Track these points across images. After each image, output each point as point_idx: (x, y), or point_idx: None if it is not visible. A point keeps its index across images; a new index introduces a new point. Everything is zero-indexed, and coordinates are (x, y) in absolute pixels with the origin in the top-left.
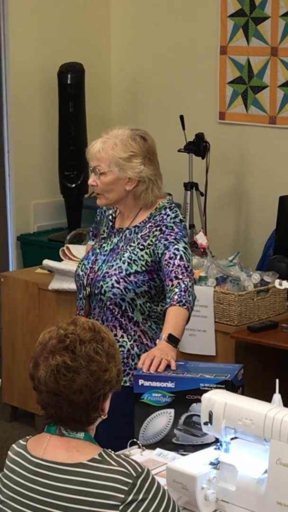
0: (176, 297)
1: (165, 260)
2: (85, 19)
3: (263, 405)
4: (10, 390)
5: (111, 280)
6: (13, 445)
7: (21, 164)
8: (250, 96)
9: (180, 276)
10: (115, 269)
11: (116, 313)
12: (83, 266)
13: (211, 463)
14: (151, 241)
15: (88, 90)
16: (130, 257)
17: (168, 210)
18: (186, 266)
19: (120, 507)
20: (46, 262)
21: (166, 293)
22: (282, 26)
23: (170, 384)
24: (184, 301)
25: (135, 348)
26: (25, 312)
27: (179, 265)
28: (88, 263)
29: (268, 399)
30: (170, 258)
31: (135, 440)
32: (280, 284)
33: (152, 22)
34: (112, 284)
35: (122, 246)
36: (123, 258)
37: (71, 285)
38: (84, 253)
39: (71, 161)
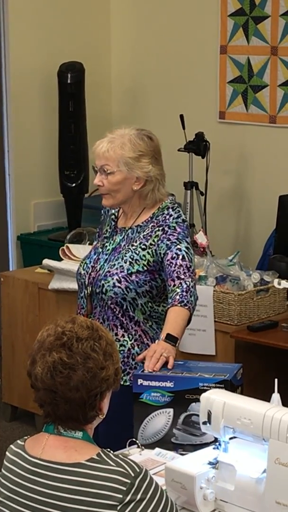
0: (177, 297)
1: (167, 260)
2: (85, 18)
3: (262, 405)
4: (10, 389)
5: (112, 279)
6: (11, 446)
7: (21, 164)
8: (250, 95)
9: (182, 276)
10: (116, 268)
11: (117, 312)
12: (85, 265)
13: (210, 463)
14: (153, 241)
15: (88, 89)
16: (132, 256)
17: (170, 210)
18: (188, 266)
19: (118, 507)
20: (46, 261)
21: (168, 293)
22: (282, 25)
23: (169, 384)
24: (185, 301)
25: (136, 348)
26: (25, 312)
27: (181, 265)
28: (90, 262)
29: (268, 398)
30: (172, 258)
31: (134, 439)
32: (279, 284)
33: (152, 21)
34: (114, 283)
35: (124, 245)
36: (125, 258)
37: (71, 285)
38: (85, 253)
39: (71, 160)
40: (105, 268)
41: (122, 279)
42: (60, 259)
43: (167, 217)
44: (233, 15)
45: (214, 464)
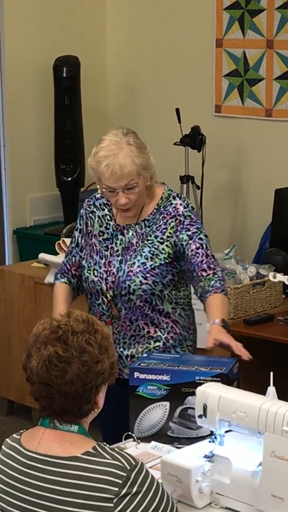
0: (218, 285)
1: (192, 250)
2: (80, 12)
3: (257, 398)
4: (7, 384)
5: (137, 277)
6: (7, 439)
7: (17, 158)
8: (246, 89)
9: (213, 266)
10: (138, 266)
11: (146, 309)
12: (95, 271)
13: (206, 456)
14: (170, 233)
15: (83, 83)
16: (151, 251)
17: (177, 199)
18: (213, 254)
19: (114, 500)
20: (42, 255)
21: (199, 281)
22: (278, 19)
23: (165, 377)
24: (225, 290)
25: (171, 341)
26: (21, 306)
27: (207, 255)
28: (100, 267)
29: (264, 392)
30: (197, 248)
31: (130, 433)
32: (274, 277)
33: (148, 15)
34: (140, 281)
35: (137, 242)
36: (143, 254)
37: None
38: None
39: (67, 154)
40: (124, 269)
41: (148, 275)
42: (56, 253)
43: (177, 206)
44: (229, 8)
45: (210, 457)
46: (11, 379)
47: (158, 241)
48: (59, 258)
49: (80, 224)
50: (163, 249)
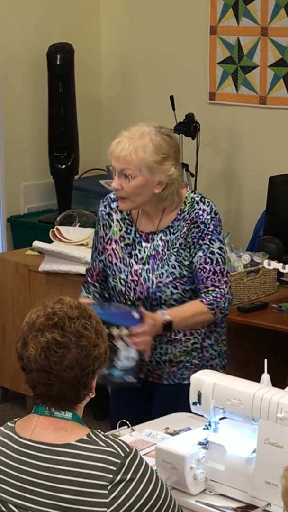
0: (210, 297)
1: (200, 263)
2: None
3: (251, 385)
4: (1, 371)
5: (168, 288)
6: (1, 428)
7: (10, 146)
8: (240, 76)
9: (217, 284)
10: (167, 277)
11: None
12: (122, 280)
13: (200, 443)
14: (190, 238)
15: (77, 71)
16: (177, 259)
17: (201, 204)
18: (222, 270)
19: (109, 487)
20: (36, 243)
21: (200, 291)
22: (272, 5)
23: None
24: (214, 309)
25: (207, 340)
26: (15, 294)
27: (215, 272)
28: (127, 276)
29: (258, 379)
30: (206, 263)
31: (124, 420)
32: (269, 265)
33: (142, 2)
34: (171, 291)
35: (163, 250)
36: (170, 263)
37: (61, 267)
38: (75, 235)
39: (61, 142)
40: (152, 279)
41: (177, 284)
42: (50, 241)
43: (200, 212)
44: None
45: (204, 444)
46: (5, 366)
47: (181, 249)
48: (53, 246)
49: (97, 227)
50: (186, 255)
